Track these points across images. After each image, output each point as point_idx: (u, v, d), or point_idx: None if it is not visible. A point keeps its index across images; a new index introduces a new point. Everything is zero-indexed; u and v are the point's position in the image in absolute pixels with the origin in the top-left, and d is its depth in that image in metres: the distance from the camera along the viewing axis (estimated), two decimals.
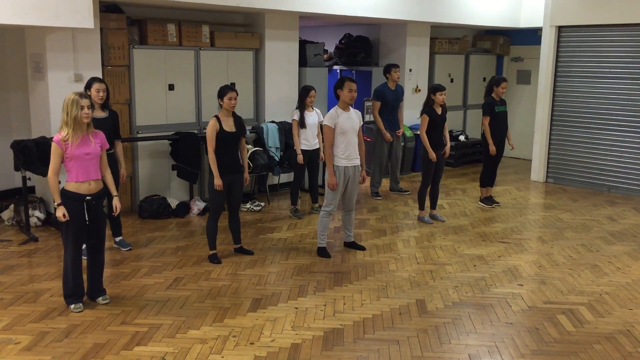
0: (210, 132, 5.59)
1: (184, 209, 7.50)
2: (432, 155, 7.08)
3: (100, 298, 4.84)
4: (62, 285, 4.77)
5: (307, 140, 7.43)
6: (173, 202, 7.51)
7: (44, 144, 6.46)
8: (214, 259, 5.84)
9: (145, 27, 7.29)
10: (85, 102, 4.43)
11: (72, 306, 4.69)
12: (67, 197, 4.52)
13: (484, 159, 8.09)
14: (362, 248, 6.28)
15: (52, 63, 6.58)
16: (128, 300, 4.91)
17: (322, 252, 6.06)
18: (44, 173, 6.52)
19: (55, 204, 4.50)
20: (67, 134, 4.45)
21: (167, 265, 5.75)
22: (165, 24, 7.42)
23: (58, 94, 6.63)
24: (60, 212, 4.48)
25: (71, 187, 4.53)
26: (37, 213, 6.87)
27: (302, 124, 7.36)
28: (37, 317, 4.57)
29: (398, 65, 8.61)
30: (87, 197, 4.56)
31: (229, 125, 5.67)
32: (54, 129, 6.65)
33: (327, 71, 9.28)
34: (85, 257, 4.79)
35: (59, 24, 5.94)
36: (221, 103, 5.66)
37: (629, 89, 8.88)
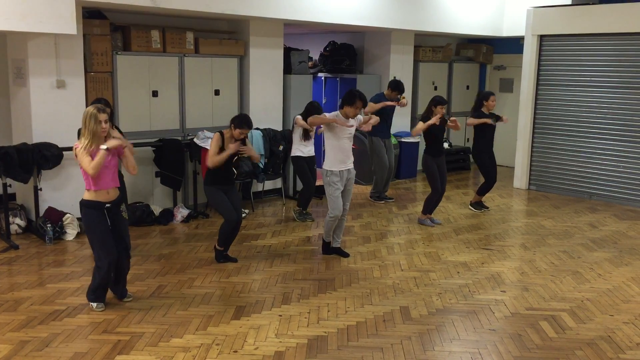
0: (214, 147, 5.70)
1: (167, 216, 7.45)
2: (432, 121, 7.02)
3: (125, 299, 5.02)
4: (91, 281, 4.86)
5: (303, 147, 7.55)
6: (156, 209, 7.46)
7: (25, 150, 6.40)
8: (225, 258, 5.97)
9: (128, 33, 7.26)
10: (103, 116, 4.53)
11: (95, 304, 4.80)
12: (87, 206, 4.63)
13: (484, 173, 8.21)
14: (346, 255, 6.29)
15: (34, 69, 6.52)
16: (110, 308, 4.86)
17: (325, 247, 6.29)
18: (24, 180, 6.46)
19: (105, 147, 4.51)
20: (86, 144, 4.52)
21: (150, 272, 5.70)
22: (149, 31, 7.39)
23: (39, 100, 6.59)
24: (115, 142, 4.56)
25: (90, 196, 4.63)
26: (17, 220, 6.78)
27: (305, 135, 7.50)
28: (17, 326, 4.51)
29: (404, 90, 8.56)
30: (107, 205, 4.66)
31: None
32: (36, 135, 6.60)
33: (311, 78, 9.30)
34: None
35: (42, 29, 5.89)
36: (232, 130, 5.74)
37: (610, 97, 9.00)
